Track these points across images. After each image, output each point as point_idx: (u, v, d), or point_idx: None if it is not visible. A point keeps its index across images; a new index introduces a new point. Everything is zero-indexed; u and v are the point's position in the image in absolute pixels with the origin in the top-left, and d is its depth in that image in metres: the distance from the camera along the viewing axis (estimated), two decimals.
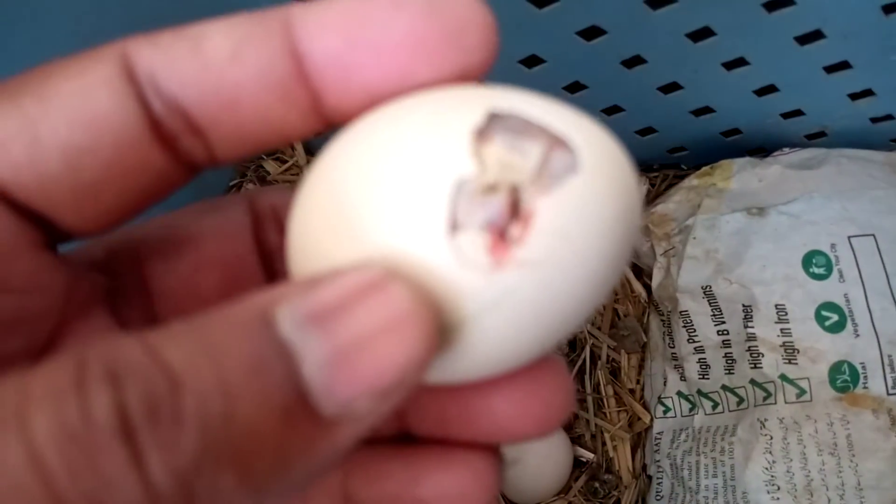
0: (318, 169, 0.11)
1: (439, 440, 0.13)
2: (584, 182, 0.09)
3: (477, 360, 0.10)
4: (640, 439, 0.37)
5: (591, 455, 0.37)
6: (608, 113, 0.36)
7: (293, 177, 0.42)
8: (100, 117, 0.10)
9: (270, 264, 0.14)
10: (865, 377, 0.31)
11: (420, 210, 0.09)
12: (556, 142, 0.09)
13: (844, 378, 0.32)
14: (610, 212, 0.10)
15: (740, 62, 0.32)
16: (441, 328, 0.10)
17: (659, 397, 0.36)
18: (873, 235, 0.32)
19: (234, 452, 0.08)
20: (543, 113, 0.10)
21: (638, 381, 0.38)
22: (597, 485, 0.37)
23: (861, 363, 0.31)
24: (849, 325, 0.32)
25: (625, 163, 0.10)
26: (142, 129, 0.11)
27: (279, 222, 0.14)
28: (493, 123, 0.09)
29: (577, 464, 0.37)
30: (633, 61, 0.33)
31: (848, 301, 0.32)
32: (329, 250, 0.10)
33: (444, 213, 0.09)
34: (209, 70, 0.10)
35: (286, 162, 0.43)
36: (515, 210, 0.09)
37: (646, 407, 0.37)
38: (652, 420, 0.36)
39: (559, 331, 0.10)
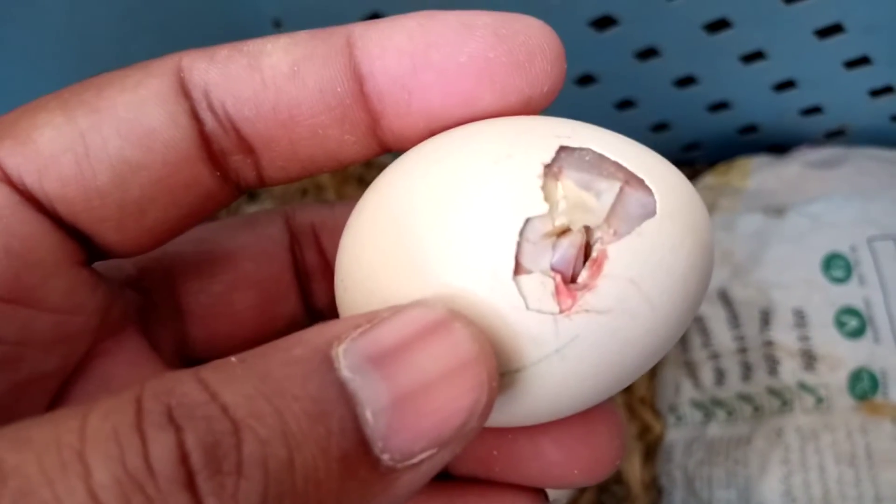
0: (375, 198, 0.11)
1: (481, 480, 0.13)
2: (660, 226, 0.09)
3: (533, 406, 0.10)
4: (650, 449, 0.38)
5: None
6: (620, 108, 0.36)
7: (306, 182, 0.41)
8: (151, 132, 0.10)
9: (306, 285, 0.14)
10: (885, 385, 0.32)
11: (485, 250, 0.09)
12: (633, 180, 0.09)
13: (863, 386, 0.32)
14: (685, 260, 0.10)
15: (758, 56, 0.33)
16: (501, 373, 0.10)
17: (671, 406, 0.36)
18: (893, 238, 0.33)
19: (294, 502, 0.08)
20: (616, 149, 0.10)
21: (649, 389, 0.38)
22: (606, 497, 0.37)
23: (881, 370, 0.32)
24: (868, 330, 0.33)
25: (701, 208, 0.10)
26: (192, 145, 0.11)
27: (318, 242, 0.14)
28: (563, 159, 0.10)
29: None
30: (647, 53, 0.33)
31: (868, 305, 0.33)
32: (385, 285, 0.10)
33: (510, 254, 0.09)
34: (266, 87, 0.11)
35: None
36: (585, 253, 0.09)
37: (657, 416, 0.38)
38: (664, 430, 0.37)
39: (622, 380, 0.10)
